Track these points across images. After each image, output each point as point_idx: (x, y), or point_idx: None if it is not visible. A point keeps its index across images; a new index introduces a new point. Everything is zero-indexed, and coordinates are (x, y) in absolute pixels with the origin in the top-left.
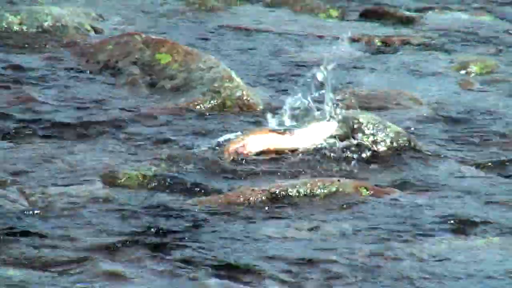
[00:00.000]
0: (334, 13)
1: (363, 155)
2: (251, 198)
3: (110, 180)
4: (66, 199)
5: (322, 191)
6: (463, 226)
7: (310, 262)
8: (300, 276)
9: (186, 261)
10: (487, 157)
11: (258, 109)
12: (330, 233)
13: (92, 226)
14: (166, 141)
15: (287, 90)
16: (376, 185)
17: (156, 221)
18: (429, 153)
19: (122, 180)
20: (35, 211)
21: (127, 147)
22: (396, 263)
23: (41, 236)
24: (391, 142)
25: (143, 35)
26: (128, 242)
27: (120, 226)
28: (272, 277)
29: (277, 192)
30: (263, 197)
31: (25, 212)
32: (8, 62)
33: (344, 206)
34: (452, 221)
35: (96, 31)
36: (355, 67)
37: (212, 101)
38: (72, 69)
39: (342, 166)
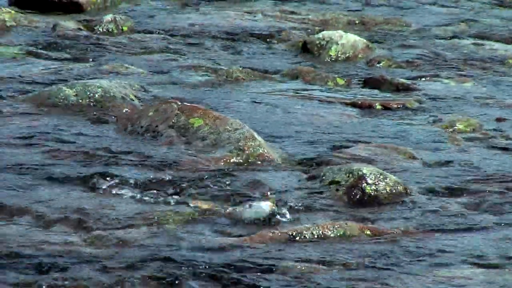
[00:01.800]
0: (341, 81)
1: (367, 200)
2: (273, 239)
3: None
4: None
5: (332, 232)
6: (451, 258)
7: None
8: None
9: None
10: (474, 200)
11: (277, 162)
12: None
13: None
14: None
15: (300, 145)
16: (376, 227)
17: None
18: (422, 200)
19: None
20: None
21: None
22: None
23: None
24: (390, 190)
25: (179, 103)
26: None
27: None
28: None
29: (294, 234)
30: (283, 238)
31: None
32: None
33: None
34: (446, 255)
35: (139, 99)
36: (355, 129)
37: (237, 158)
38: (119, 132)
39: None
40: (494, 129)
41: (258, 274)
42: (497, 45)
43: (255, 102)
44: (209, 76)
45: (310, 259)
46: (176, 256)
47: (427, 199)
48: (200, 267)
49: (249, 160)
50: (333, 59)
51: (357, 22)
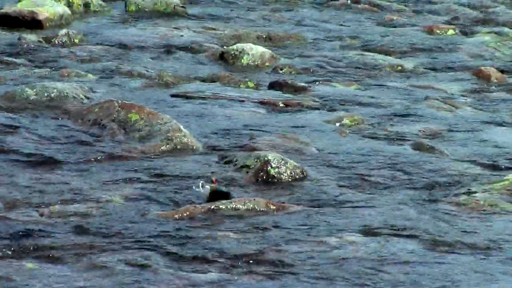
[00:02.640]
0: (251, 84)
1: (271, 181)
2: (196, 212)
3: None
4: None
5: (244, 206)
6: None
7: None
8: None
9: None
10: (359, 179)
11: (199, 150)
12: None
13: None
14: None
15: (218, 136)
16: (278, 202)
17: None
18: (317, 180)
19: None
20: None
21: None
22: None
23: None
24: (290, 172)
25: (119, 101)
26: None
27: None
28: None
29: (213, 208)
30: (205, 211)
31: None
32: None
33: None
34: (335, 225)
35: (87, 98)
36: (262, 123)
37: (167, 146)
38: (70, 125)
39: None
40: (373, 123)
41: (183, 241)
42: (377, 56)
43: (181, 101)
44: (144, 80)
45: (224, 229)
46: (112, 226)
47: (321, 179)
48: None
49: (177, 148)
50: (245, 66)
51: (264, 36)
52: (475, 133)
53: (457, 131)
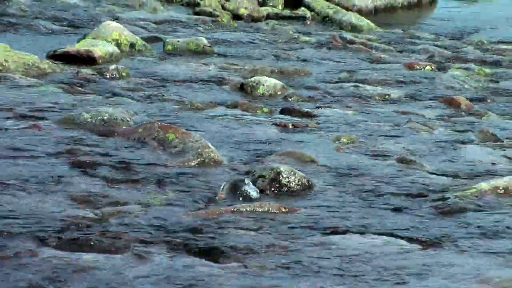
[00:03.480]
0: (266, 110)
1: (283, 189)
2: (220, 213)
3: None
4: None
5: (260, 209)
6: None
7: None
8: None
9: None
10: (354, 187)
11: (223, 163)
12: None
13: None
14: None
15: (239, 151)
16: (289, 206)
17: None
18: (320, 188)
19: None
20: None
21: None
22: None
23: None
24: (298, 182)
25: (159, 123)
26: None
27: None
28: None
29: (235, 210)
30: (227, 212)
31: None
32: (86, 140)
33: (272, 218)
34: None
35: (133, 121)
36: (276, 140)
37: (197, 160)
38: (119, 142)
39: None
40: (365, 141)
41: (208, 237)
42: (368, 87)
43: (209, 122)
44: (179, 106)
45: (245, 227)
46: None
47: (323, 187)
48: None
49: (205, 161)
50: (260, 95)
51: (276, 71)
52: (449, 150)
53: (433, 148)
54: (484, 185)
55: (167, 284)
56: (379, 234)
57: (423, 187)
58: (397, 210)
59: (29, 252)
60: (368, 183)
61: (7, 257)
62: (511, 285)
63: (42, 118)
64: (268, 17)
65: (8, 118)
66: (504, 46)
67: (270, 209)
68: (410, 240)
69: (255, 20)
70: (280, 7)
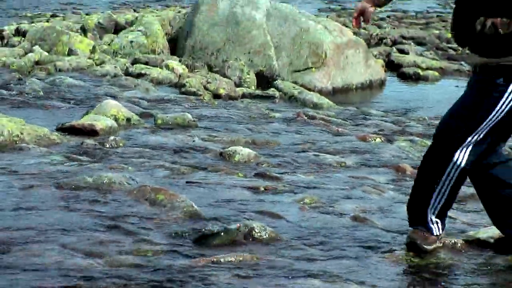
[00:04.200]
0: (241, 175)
1: (255, 242)
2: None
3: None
4: None
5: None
6: None
7: None
8: None
9: None
10: (315, 239)
11: (206, 218)
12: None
13: None
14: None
15: (219, 209)
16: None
17: None
18: (287, 241)
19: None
20: None
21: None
22: None
23: None
24: (269, 236)
25: (150, 186)
26: None
27: None
28: None
29: (216, 260)
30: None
31: None
32: (87, 196)
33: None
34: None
35: (129, 184)
36: (250, 200)
37: (183, 215)
38: (119, 201)
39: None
40: (325, 202)
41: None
42: (327, 156)
43: (193, 185)
44: (168, 171)
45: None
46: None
47: (290, 240)
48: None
49: (190, 216)
50: (237, 162)
51: (250, 141)
52: (397, 209)
53: (383, 208)
54: None
55: None
56: (335, 276)
57: (374, 240)
58: (351, 258)
59: None
60: (327, 237)
61: None
62: None
63: (50, 181)
64: (243, 96)
65: (18, 181)
66: None
67: (244, 259)
68: (361, 283)
69: (232, 98)
70: (253, 88)
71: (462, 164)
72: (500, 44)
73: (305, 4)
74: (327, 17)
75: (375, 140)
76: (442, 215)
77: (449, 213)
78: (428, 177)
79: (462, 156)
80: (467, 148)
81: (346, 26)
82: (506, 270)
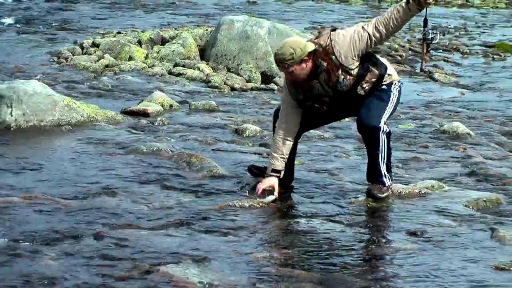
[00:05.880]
0: (250, 144)
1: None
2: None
3: None
4: None
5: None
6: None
7: None
8: None
9: None
10: (304, 191)
11: (227, 176)
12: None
13: None
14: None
15: (237, 167)
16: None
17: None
18: (284, 191)
19: None
20: None
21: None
22: None
23: None
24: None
25: (186, 152)
26: None
27: None
28: None
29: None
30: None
31: None
32: (141, 161)
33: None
34: None
35: (171, 151)
36: (257, 161)
37: (209, 173)
38: (162, 164)
39: None
40: (310, 163)
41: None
42: (312, 131)
43: (216, 152)
44: (198, 142)
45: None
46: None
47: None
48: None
49: (214, 175)
50: (247, 136)
51: (257, 121)
52: (361, 168)
53: (351, 167)
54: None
55: None
56: (315, 216)
57: (345, 190)
58: (325, 202)
59: None
60: (311, 187)
61: None
62: None
63: (117, 149)
64: (252, 89)
65: (98, 148)
66: None
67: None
68: (334, 220)
69: (244, 91)
70: (259, 83)
71: (387, 130)
72: None
73: (295, 24)
74: (311, 33)
75: (344, 120)
76: (389, 170)
77: (397, 171)
78: (371, 147)
79: (384, 126)
80: (384, 122)
81: None
82: (431, 212)
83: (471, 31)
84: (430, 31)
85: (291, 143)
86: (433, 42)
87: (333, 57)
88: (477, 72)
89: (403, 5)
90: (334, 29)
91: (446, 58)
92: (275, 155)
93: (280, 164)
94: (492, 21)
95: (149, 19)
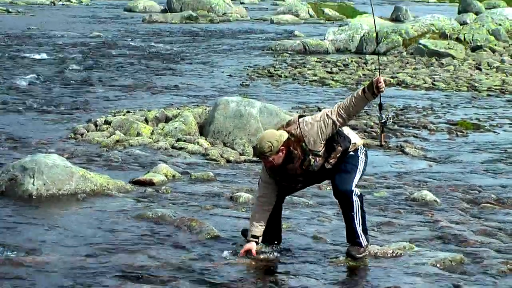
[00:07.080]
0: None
1: None
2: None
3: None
4: None
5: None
6: None
7: None
8: None
9: None
10: None
11: (222, 238)
12: None
13: None
14: None
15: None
16: None
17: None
18: None
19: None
20: None
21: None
22: None
23: None
24: None
25: (187, 217)
26: None
27: None
28: None
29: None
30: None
31: None
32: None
33: None
34: None
35: (174, 217)
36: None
37: (208, 236)
38: (166, 228)
39: None
40: (296, 226)
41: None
42: (298, 199)
43: (214, 216)
44: (198, 208)
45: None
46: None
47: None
48: None
49: (212, 237)
50: (241, 202)
51: (249, 189)
52: (340, 232)
53: (332, 230)
54: None
55: None
56: (299, 274)
57: (326, 251)
58: (308, 262)
59: None
60: (295, 248)
61: None
62: None
63: (128, 214)
64: (245, 161)
65: (109, 214)
66: None
67: None
68: (317, 277)
69: (238, 162)
70: (251, 156)
71: (358, 193)
72: None
73: (283, 104)
74: (296, 112)
75: (326, 189)
76: (365, 232)
77: (373, 234)
78: (346, 209)
79: (356, 189)
80: (356, 184)
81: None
82: (403, 270)
83: (437, 111)
84: (383, 115)
85: (269, 212)
86: (386, 124)
87: (303, 144)
88: (443, 146)
89: (360, 92)
90: (301, 116)
91: (415, 134)
92: (255, 223)
93: (258, 231)
94: (456, 102)
95: (155, 99)
